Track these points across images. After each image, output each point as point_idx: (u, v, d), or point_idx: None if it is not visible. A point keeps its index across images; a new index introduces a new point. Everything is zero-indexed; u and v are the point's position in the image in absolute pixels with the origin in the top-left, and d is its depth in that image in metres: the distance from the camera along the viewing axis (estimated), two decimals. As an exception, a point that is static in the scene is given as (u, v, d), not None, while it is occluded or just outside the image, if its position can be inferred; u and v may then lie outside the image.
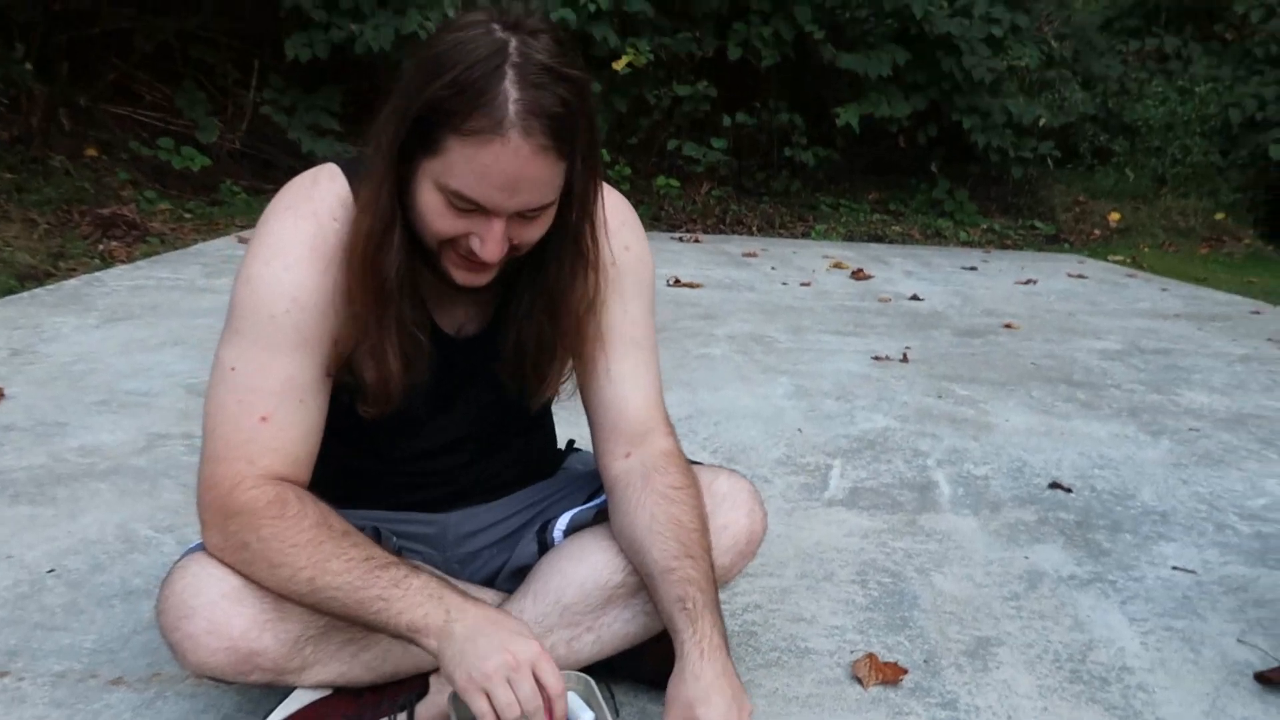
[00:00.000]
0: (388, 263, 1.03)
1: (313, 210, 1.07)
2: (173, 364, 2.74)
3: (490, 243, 1.00)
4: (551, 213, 1.05)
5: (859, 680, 1.35)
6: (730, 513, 1.24)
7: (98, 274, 3.97)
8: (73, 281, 3.79)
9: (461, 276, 1.06)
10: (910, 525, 1.90)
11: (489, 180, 0.96)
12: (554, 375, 1.19)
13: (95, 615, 1.43)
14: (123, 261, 4.28)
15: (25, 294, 3.53)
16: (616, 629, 1.21)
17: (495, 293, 1.16)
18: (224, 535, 1.04)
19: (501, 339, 1.17)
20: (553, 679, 0.97)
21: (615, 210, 1.19)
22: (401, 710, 1.13)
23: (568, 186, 1.03)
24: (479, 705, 0.95)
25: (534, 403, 1.21)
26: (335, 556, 1.01)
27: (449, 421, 1.23)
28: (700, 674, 1.06)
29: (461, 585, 1.07)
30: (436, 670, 1.17)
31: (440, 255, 1.04)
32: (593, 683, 1.12)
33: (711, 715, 1.04)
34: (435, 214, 1.00)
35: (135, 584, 1.52)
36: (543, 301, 1.14)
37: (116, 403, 2.38)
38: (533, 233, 1.04)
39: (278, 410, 1.05)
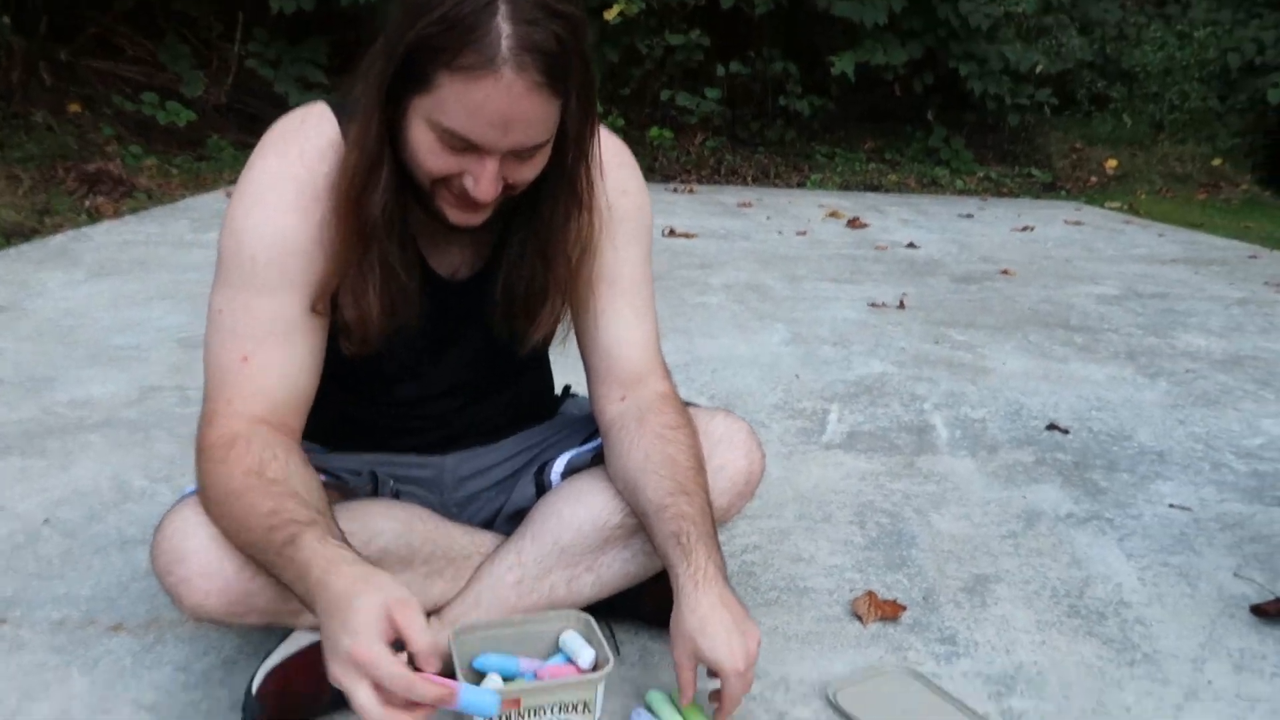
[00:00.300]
0: (372, 202, 1.01)
1: (299, 153, 1.05)
2: (163, 318, 2.71)
3: (484, 182, 0.98)
4: (546, 153, 1.02)
5: (859, 617, 1.35)
6: (727, 453, 1.23)
7: (84, 230, 3.92)
8: (59, 237, 3.75)
9: (455, 216, 1.03)
10: (908, 467, 1.90)
11: (481, 117, 0.94)
12: (545, 318, 1.16)
13: (92, 564, 1.42)
14: (110, 217, 4.23)
15: (11, 250, 3.49)
16: (616, 569, 1.21)
17: (492, 235, 1.14)
18: (196, 475, 1.03)
19: (491, 281, 1.15)
20: (393, 684, 0.82)
21: (613, 153, 1.17)
22: (401, 649, 1.12)
23: (562, 127, 1.01)
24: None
25: (524, 346, 1.19)
26: (249, 512, 0.95)
27: (444, 365, 1.21)
28: (696, 606, 1.06)
29: (346, 544, 0.94)
30: (437, 611, 1.17)
31: (434, 195, 1.02)
32: (593, 621, 1.12)
33: (711, 645, 1.03)
34: (428, 152, 0.97)
35: (131, 533, 1.51)
36: (535, 244, 1.12)
37: (106, 356, 2.36)
38: (527, 173, 1.02)
39: (258, 351, 1.03)
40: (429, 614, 1.16)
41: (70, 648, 1.22)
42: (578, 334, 1.22)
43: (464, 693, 0.84)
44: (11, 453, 1.79)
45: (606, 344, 1.20)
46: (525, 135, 0.96)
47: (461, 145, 0.96)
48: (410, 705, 0.83)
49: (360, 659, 0.82)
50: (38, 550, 1.45)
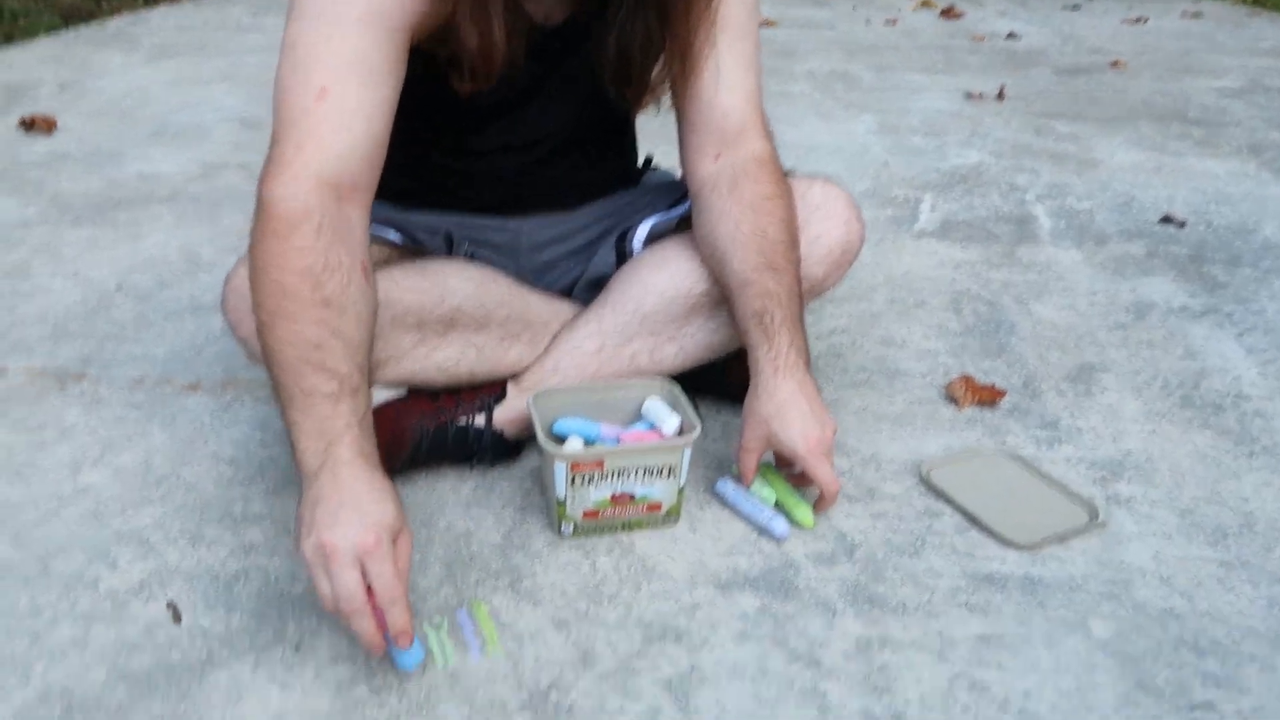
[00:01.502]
0: None
1: None
2: (223, 98, 2.63)
3: None
4: None
5: (954, 400, 1.28)
6: (824, 222, 1.13)
7: (142, 13, 3.80)
8: (117, 20, 3.64)
9: None
10: (1007, 257, 1.78)
11: None
12: (656, 84, 1.06)
13: (165, 328, 1.41)
14: (166, 2, 4.08)
15: (70, 32, 3.40)
16: (700, 339, 1.14)
17: None
18: (252, 227, 0.90)
19: (598, 34, 1.03)
20: (383, 582, 0.77)
21: None
22: (479, 412, 1.09)
23: None
24: (313, 587, 0.80)
25: (634, 109, 1.11)
26: (289, 320, 0.83)
27: (534, 114, 1.11)
28: (774, 391, 1.00)
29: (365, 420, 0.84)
30: (514, 376, 1.13)
31: None
32: (678, 388, 1.06)
33: (786, 432, 0.99)
34: None
35: (204, 300, 1.49)
36: None
37: (170, 134, 2.30)
38: None
39: (336, 86, 0.90)
40: (505, 380, 1.12)
41: (148, 404, 1.21)
42: (673, 83, 1.10)
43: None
44: (82, 223, 1.77)
45: (705, 94, 1.08)
46: None
47: None
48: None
49: (371, 548, 0.76)
50: (111, 314, 1.44)
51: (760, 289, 1.02)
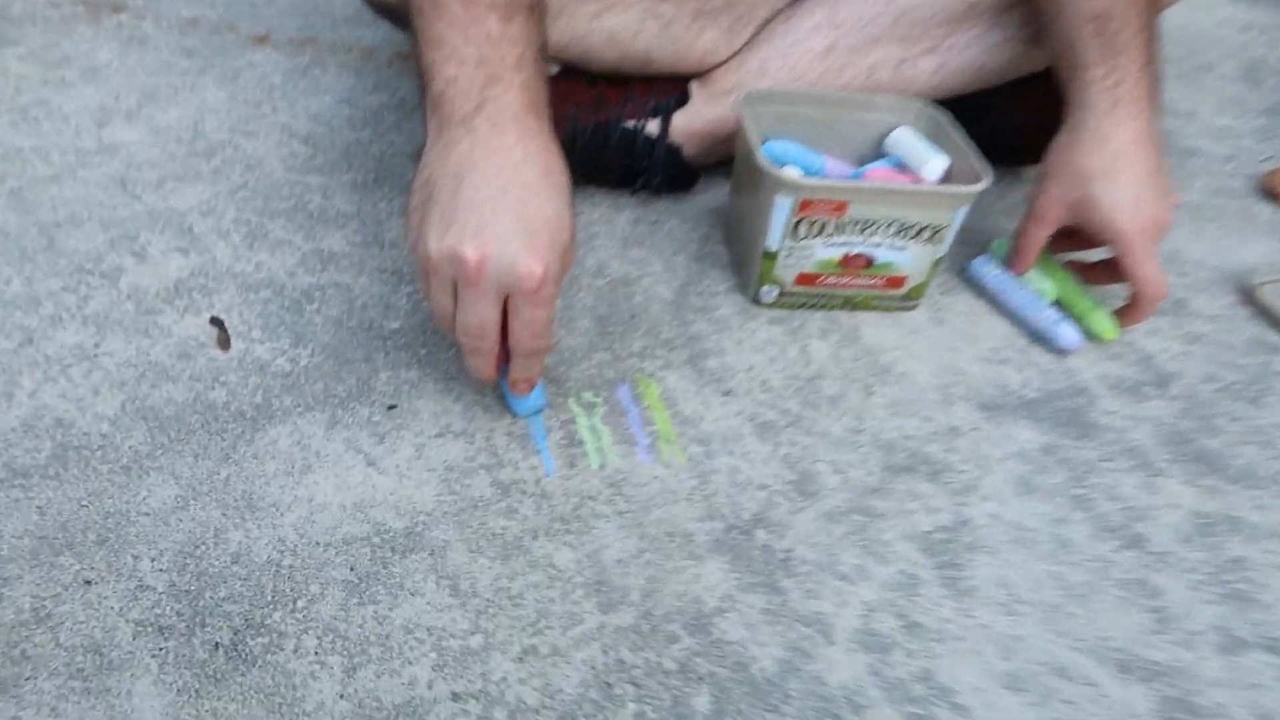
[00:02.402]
0: None
1: None
2: None
3: None
4: None
5: (1273, 196, 0.94)
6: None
7: None
8: None
9: None
10: (1309, 26, 1.35)
11: None
12: None
13: (230, -37, 1.08)
14: None
15: None
16: (971, 56, 0.79)
17: None
18: None
19: None
20: (531, 331, 0.53)
21: None
22: (653, 116, 0.77)
23: None
24: (421, 285, 0.54)
25: None
26: None
27: None
28: (1109, 136, 0.67)
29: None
30: (702, 74, 0.80)
31: None
32: (946, 116, 0.73)
33: (1113, 199, 0.66)
34: None
35: (279, -63, 1.15)
36: None
37: None
38: None
39: None
40: (691, 76, 0.80)
41: (203, 52, 0.91)
42: None
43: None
44: None
45: None
46: None
47: None
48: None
49: (532, 290, 0.51)
50: (164, -63, 1.11)
51: None
